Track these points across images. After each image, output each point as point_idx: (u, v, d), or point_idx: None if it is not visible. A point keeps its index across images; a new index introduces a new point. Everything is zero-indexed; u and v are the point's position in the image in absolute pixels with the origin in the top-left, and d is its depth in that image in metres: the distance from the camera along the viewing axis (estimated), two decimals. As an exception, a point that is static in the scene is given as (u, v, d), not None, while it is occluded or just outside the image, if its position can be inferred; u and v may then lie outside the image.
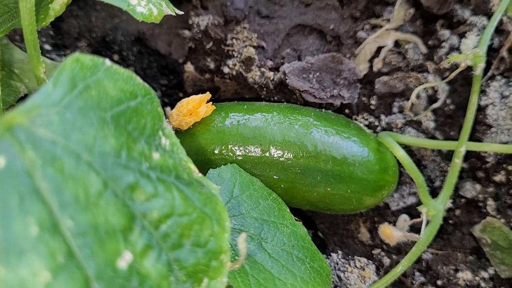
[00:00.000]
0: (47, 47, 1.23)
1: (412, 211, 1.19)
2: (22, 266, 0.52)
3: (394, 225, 1.16)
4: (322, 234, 1.25)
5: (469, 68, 1.03)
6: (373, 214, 1.20)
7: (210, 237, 0.71)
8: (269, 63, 1.19)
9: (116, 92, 0.70)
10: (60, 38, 1.25)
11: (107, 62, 0.71)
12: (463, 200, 1.16)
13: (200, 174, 0.80)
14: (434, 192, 1.16)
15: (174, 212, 0.68)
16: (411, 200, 1.19)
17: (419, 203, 1.15)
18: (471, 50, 1.01)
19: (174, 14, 0.95)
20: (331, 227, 1.25)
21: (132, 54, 1.31)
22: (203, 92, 1.23)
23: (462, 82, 1.13)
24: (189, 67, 1.26)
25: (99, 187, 0.61)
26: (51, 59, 1.20)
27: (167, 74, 1.33)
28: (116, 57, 1.29)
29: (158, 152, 0.73)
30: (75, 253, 0.56)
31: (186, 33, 1.26)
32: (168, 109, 1.17)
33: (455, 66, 1.07)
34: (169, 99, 1.33)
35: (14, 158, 0.56)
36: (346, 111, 1.20)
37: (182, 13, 1.00)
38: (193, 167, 0.79)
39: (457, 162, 1.05)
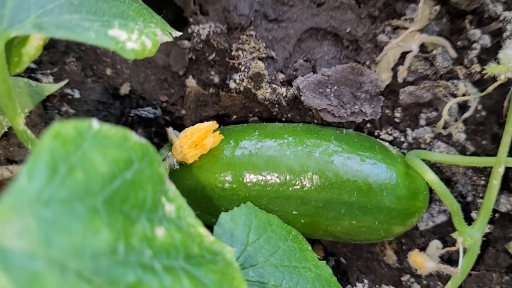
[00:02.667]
0: (32, 65, 1.10)
1: (442, 230, 1.09)
2: None
3: (424, 250, 1.06)
4: (345, 259, 1.15)
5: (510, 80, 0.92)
6: (400, 235, 1.10)
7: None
8: (281, 76, 1.06)
9: (107, 166, 0.58)
10: (45, 54, 1.12)
11: (95, 124, 0.59)
12: (497, 214, 1.06)
13: (212, 238, 0.70)
14: (467, 209, 1.06)
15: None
16: (441, 218, 1.09)
17: (450, 221, 1.04)
18: (512, 62, 0.89)
19: (171, 39, 0.82)
20: (354, 251, 1.15)
21: (126, 67, 1.18)
22: (208, 108, 1.12)
23: (492, 82, 1.01)
24: (190, 82, 1.13)
25: (92, 300, 0.50)
26: (36, 79, 1.08)
27: (167, 88, 1.21)
28: (109, 71, 1.17)
29: (162, 226, 0.63)
30: None
31: (186, 43, 1.13)
32: (170, 129, 1.05)
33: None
34: (170, 116, 1.21)
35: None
36: (368, 125, 1.08)
37: (181, 33, 0.87)
38: (203, 231, 0.69)
39: (495, 183, 0.94)
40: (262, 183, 0.94)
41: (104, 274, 0.53)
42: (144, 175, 0.63)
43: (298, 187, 0.93)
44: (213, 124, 0.95)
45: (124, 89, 1.18)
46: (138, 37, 0.74)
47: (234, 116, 1.17)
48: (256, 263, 0.85)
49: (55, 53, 1.13)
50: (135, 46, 0.73)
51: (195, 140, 0.92)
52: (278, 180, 0.93)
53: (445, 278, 1.04)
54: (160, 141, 1.20)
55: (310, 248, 0.95)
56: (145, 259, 0.57)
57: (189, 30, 1.11)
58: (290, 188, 0.93)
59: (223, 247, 0.70)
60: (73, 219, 0.52)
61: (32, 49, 0.73)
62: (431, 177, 0.94)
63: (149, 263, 0.58)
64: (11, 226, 0.48)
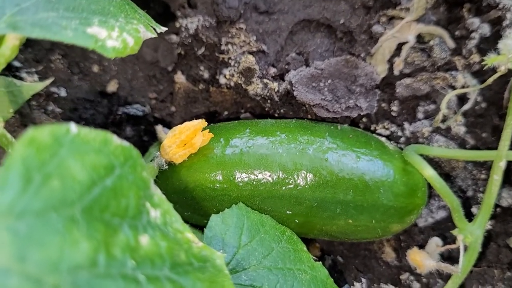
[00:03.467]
0: (16, 63, 1.06)
1: (442, 226, 1.06)
2: None
3: (423, 247, 1.03)
4: (342, 258, 1.12)
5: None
6: (398, 233, 1.07)
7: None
8: (272, 70, 1.02)
9: (85, 173, 0.55)
10: (30, 52, 1.08)
11: (73, 129, 0.56)
12: (498, 209, 1.03)
13: (201, 244, 0.68)
14: (467, 204, 1.03)
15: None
16: (440, 214, 1.05)
17: (450, 217, 1.02)
18: (513, 52, 0.86)
19: (155, 35, 0.79)
20: (351, 249, 1.12)
21: (114, 64, 1.14)
22: (198, 105, 1.08)
23: (492, 73, 0.97)
24: (179, 77, 1.10)
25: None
26: (21, 78, 1.04)
27: (155, 84, 1.17)
28: (96, 68, 1.13)
29: (147, 233, 0.60)
30: None
31: (174, 38, 1.10)
32: (159, 127, 1.02)
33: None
34: (160, 113, 1.18)
35: None
36: (364, 120, 1.05)
37: (166, 29, 0.84)
38: (191, 236, 0.67)
39: (496, 178, 0.91)
40: (254, 182, 0.90)
41: (84, 289, 0.50)
42: (126, 181, 0.60)
43: (292, 186, 0.90)
44: (202, 123, 0.91)
45: (112, 86, 1.14)
46: (119, 35, 0.70)
47: (225, 112, 1.14)
48: (248, 266, 0.83)
49: (40, 50, 1.09)
50: (116, 44, 0.69)
51: (184, 139, 0.89)
52: (270, 179, 0.90)
53: (445, 275, 1.02)
54: (150, 139, 1.16)
55: (305, 248, 0.92)
56: (127, 270, 0.54)
57: (177, 24, 1.08)
58: (283, 188, 0.90)
59: (213, 253, 0.67)
60: (49, 231, 0.49)
61: (7, 50, 0.70)
62: (430, 173, 0.91)
63: (132, 274, 0.55)
64: (-18, 241, 0.45)
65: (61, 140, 0.55)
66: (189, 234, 0.66)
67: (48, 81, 1.02)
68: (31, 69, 1.07)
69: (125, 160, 0.61)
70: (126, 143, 0.62)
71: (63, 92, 1.09)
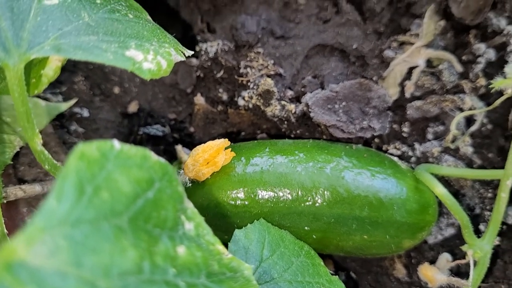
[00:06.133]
0: (40, 84, 1.10)
1: (451, 243, 1.09)
2: None
3: (434, 263, 1.06)
4: (355, 274, 1.15)
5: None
6: (409, 249, 1.10)
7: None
8: (289, 93, 1.07)
9: (130, 186, 0.59)
10: (54, 73, 1.12)
11: (116, 145, 0.60)
12: (504, 227, 1.06)
13: (230, 255, 0.70)
14: (475, 221, 1.06)
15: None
16: (449, 231, 1.09)
17: (458, 234, 1.05)
18: (519, 76, 0.90)
19: (184, 58, 0.83)
20: (363, 265, 1.15)
21: (134, 86, 1.19)
22: (216, 126, 1.12)
23: (498, 96, 1.02)
24: (199, 99, 1.14)
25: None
26: (45, 99, 1.08)
27: (175, 106, 1.21)
28: (117, 89, 1.18)
29: (183, 244, 0.64)
30: None
31: (194, 61, 1.14)
32: (179, 147, 1.06)
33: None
34: (179, 134, 1.21)
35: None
36: (376, 140, 1.09)
37: (192, 52, 0.88)
38: (221, 248, 0.70)
39: (504, 196, 0.95)
40: (274, 199, 0.94)
41: (132, 294, 0.53)
42: (165, 194, 0.63)
43: (310, 203, 0.93)
44: (225, 142, 0.95)
45: (133, 107, 1.18)
46: (153, 57, 0.74)
47: (243, 133, 1.18)
48: (270, 279, 0.86)
49: (64, 72, 1.13)
50: (151, 66, 0.73)
51: (207, 157, 0.93)
52: (290, 197, 0.94)
53: (455, 291, 1.05)
54: (169, 158, 1.19)
55: (322, 263, 0.95)
56: (169, 277, 0.58)
57: (197, 48, 1.12)
58: (302, 204, 0.93)
59: (241, 264, 0.70)
60: (101, 239, 0.53)
61: (50, 71, 0.74)
62: (441, 191, 0.95)
63: (174, 281, 0.58)
64: (42, 246, 0.49)
65: (107, 155, 0.58)
66: (220, 246, 0.69)
67: (71, 102, 1.07)
68: (55, 90, 1.11)
69: (163, 175, 0.64)
70: (162, 160, 0.65)
71: (85, 113, 1.13)
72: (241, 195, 0.95)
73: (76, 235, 0.51)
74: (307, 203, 0.93)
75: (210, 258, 0.66)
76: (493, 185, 1.05)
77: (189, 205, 0.69)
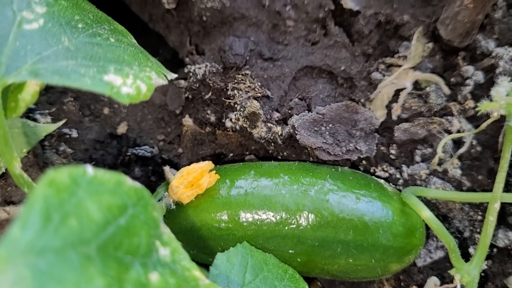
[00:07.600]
0: (30, 105, 1.11)
1: (441, 266, 1.08)
2: None
3: (422, 286, 1.05)
4: (344, 297, 1.14)
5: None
6: (398, 272, 1.09)
7: None
8: (276, 115, 1.07)
9: (101, 213, 0.58)
10: (43, 94, 1.13)
11: (89, 171, 0.59)
12: (495, 249, 1.05)
13: (207, 281, 0.70)
14: (465, 244, 1.05)
15: None
16: (438, 254, 1.07)
17: (447, 257, 1.04)
18: (505, 99, 0.89)
19: (166, 82, 0.83)
20: (352, 288, 1.14)
21: (123, 107, 1.19)
22: (204, 147, 1.12)
23: (486, 118, 1.01)
24: (187, 121, 1.14)
25: None
26: (34, 119, 1.09)
27: (163, 127, 1.21)
28: (106, 110, 1.18)
29: (156, 271, 0.63)
30: None
31: (182, 82, 1.14)
32: (167, 168, 1.05)
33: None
34: (168, 155, 1.22)
35: None
36: (364, 162, 1.08)
37: (176, 76, 0.88)
38: (198, 274, 0.69)
39: (491, 220, 0.94)
40: (258, 222, 0.93)
41: (97, 326, 0.52)
42: (138, 220, 0.63)
43: (294, 226, 0.93)
44: (209, 164, 0.95)
45: (122, 128, 1.19)
46: (133, 82, 0.74)
47: (231, 154, 1.18)
48: (252, 304, 0.85)
49: (53, 93, 1.14)
50: (130, 91, 0.73)
51: (191, 180, 0.93)
52: (274, 219, 0.93)
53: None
54: (157, 179, 1.20)
55: (307, 287, 0.94)
56: (139, 306, 0.57)
57: (185, 70, 1.13)
58: (286, 227, 0.93)
59: (218, 289, 0.70)
60: (67, 268, 0.52)
61: (28, 95, 0.74)
62: (427, 214, 0.94)
63: (143, 310, 0.57)
64: (5, 276, 0.48)
65: (78, 181, 0.58)
66: (196, 272, 0.69)
67: (60, 123, 1.07)
68: (44, 110, 1.12)
69: (138, 201, 0.64)
70: (138, 185, 0.65)
71: (74, 133, 1.14)
72: (225, 217, 0.94)
73: (40, 264, 0.51)
74: (291, 226, 0.93)
75: (185, 285, 0.65)
76: (483, 207, 1.04)
77: (165, 230, 0.69)
